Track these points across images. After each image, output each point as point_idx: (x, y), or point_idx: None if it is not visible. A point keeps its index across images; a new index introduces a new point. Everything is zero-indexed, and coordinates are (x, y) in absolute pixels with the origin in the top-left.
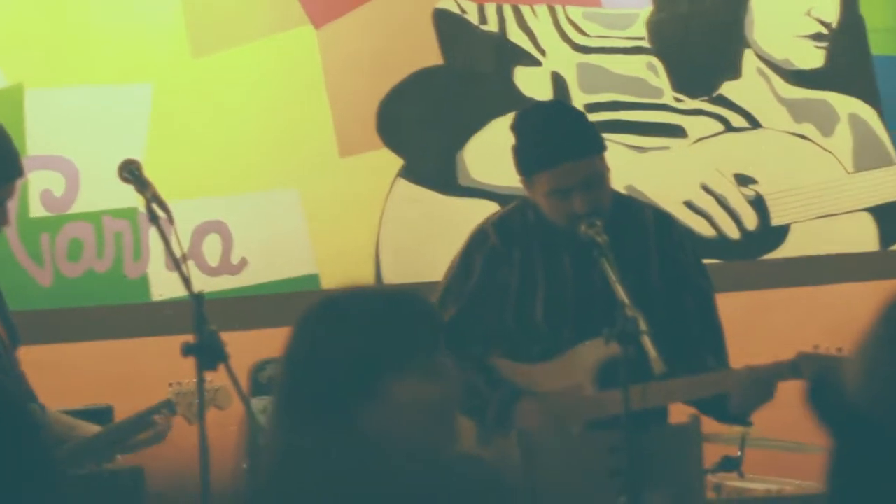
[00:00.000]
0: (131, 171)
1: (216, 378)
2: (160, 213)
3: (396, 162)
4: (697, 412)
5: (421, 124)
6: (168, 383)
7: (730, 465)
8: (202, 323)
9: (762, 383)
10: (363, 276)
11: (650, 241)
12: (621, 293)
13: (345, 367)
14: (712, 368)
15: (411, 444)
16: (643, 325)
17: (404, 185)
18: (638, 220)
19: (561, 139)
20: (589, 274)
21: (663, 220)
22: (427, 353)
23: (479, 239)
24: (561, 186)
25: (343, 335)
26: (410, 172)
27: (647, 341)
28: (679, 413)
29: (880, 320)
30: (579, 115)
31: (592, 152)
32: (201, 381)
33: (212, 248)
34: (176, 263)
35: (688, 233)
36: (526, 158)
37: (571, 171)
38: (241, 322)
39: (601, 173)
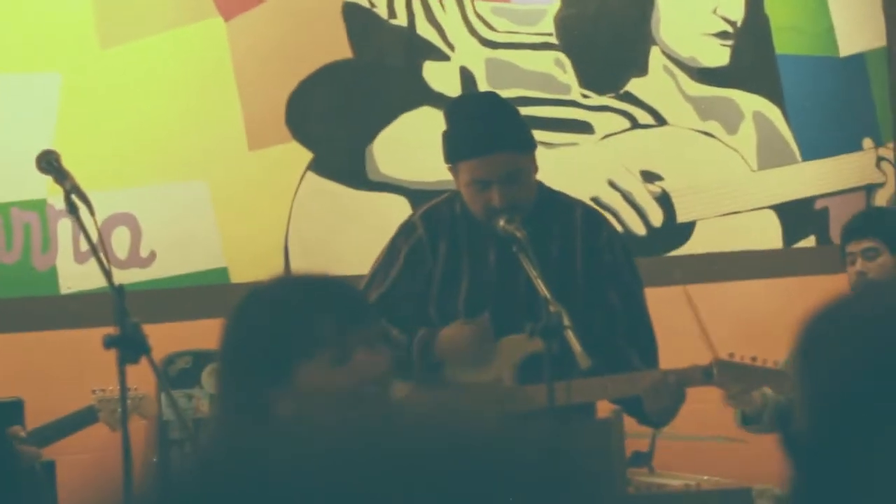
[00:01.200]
0: (49, 162)
1: (140, 386)
2: (80, 204)
3: (306, 155)
4: (621, 408)
5: (330, 118)
6: (91, 389)
7: (639, 460)
8: (124, 315)
9: (673, 387)
10: (272, 269)
11: (576, 238)
12: (542, 288)
13: (260, 352)
14: (636, 368)
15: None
16: (567, 321)
17: (313, 179)
18: (565, 216)
19: (486, 130)
20: (513, 268)
21: (592, 218)
22: (339, 339)
23: (407, 230)
24: (481, 178)
25: (258, 322)
26: (319, 166)
27: (571, 336)
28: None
29: (796, 348)
30: (510, 110)
31: (516, 148)
32: (123, 373)
33: (120, 241)
34: (96, 255)
35: (617, 231)
36: (451, 145)
37: (492, 164)
38: (150, 315)
39: (524, 170)
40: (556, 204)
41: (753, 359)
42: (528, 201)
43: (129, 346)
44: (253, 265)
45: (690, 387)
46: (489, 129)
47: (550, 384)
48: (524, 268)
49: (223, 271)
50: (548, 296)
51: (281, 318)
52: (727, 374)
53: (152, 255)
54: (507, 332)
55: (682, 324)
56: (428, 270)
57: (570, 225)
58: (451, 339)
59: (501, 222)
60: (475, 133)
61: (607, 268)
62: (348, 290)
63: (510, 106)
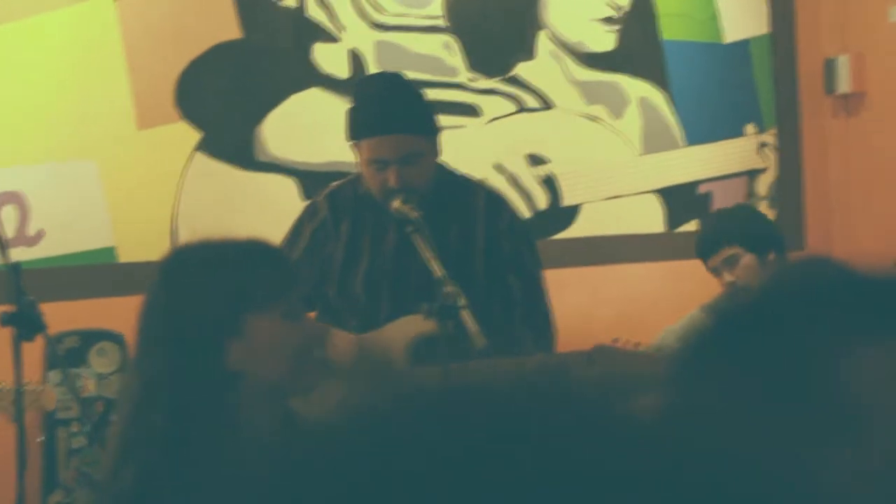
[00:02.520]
0: None
1: (29, 365)
2: None
3: (194, 135)
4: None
5: (219, 98)
6: None
7: None
8: (21, 293)
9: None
10: (160, 248)
11: (478, 222)
12: (437, 269)
13: (211, 307)
14: (530, 353)
15: (267, 379)
16: (462, 301)
17: (202, 159)
18: (467, 199)
19: (387, 110)
20: (411, 250)
21: (494, 201)
22: (288, 296)
23: (311, 210)
24: (379, 157)
25: (205, 278)
26: (208, 146)
27: (466, 317)
28: None
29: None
30: (414, 92)
31: (416, 130)
32: (18, 350)
33: (8, 219)
34: None
35: (520, 216)
36: (354, 123)
37: (391, 144)
38: (38, 294)
39: (423, 153)
40: (459, 187)
41: (637, 344)
42: (426, 184)
43: (25, 324)
44: (141, 244)
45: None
46: (390, 110)
47: (446, 365)
48: (419, 249)
49: (111, 251)
50: (443, 276)
51: (228, 271)
52: (608, 361)
53: (40, 234)
54: (404, 314)
55: (569, 306)
56: (330, 251)
57: (471, 208)
58: (340, 348)
59: (396, 203)
60: (377, 112)
61: (508, 252)
62: (284, 253)
63: (415, 88)
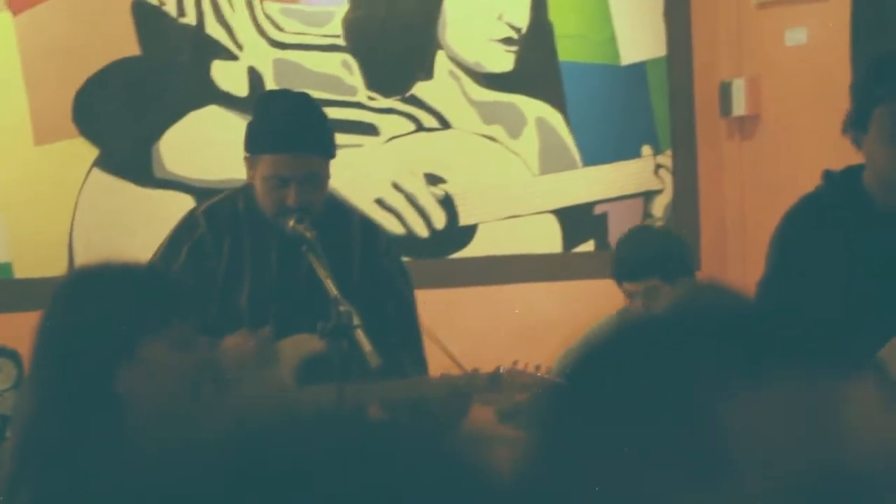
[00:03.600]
0: None
1: None
2: None
3: (92, 151)
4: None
5: (117, 114)
6: None
7: None
8: None
9: (459, 394)
10: (57, 265)
11: (354, 246)
12: (332, 288)
13: (102, 331)
14: (407, 376)
15: (158, 404)
16: (357, 320)
17: (99, 175)
18: (344, 223)
19: (297, 129)
20: (295, 269)
21: (369, 227)
22: (179, 322)
23: (188, 226)
24: (281, 174)
25: (99, 302)
26: (106, 162)
27: (361, 335)
28: None
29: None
30: (322, 115)
31: (321, 153)
32: None
33: None
34: None
35: (393, 241)
36: (257, 136)
37: (296, 163)
38: None
39: (322, 175)
40: (335, 211)
41: (538, 367)
42: (319, 206)
43: None
44: (38, 260)
45: (476, 393)
46: (298, 129)
47: (341, 385)
48: (308, 269)
49: (7, 266)
50: (338, 295)
51: (121, 296)
52: (513, 384)
53: None
54: (289, 333)
55: (465, 326)
56: (210, 268)
57: (348, 233)
58: (233, 348)
59: (291, 222)
60: (283, 129)
61: (383, 277)
62: (178, 280)
63: (322, 111)
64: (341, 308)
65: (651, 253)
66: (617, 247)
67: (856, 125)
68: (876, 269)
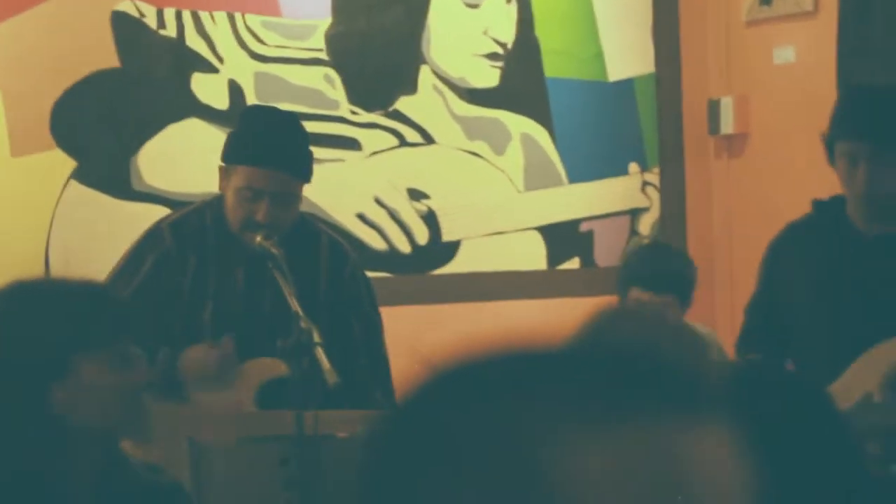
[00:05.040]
0: None
1: None
2: None
3: (69, 163)
4: None
5: (95, 127)
6: None
7: None
8: None
9: None
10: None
11: (321, 266)
12: (295, 305)
13: (35, 347)
14: (379, 402)
15: (95, 424)
16: (317, 337)
17: (76, 188)
18: (313, 244)
19: (278, 145)
20: (261, 286)
21: (338, 249)
22: (117, 340)
23: (154, 237)
24: (255, 186)
25: (33, 317)
26: (83, 175)
27: (320, 353)
28: None
29: None
30: (305, 137)
31: (298, 174)
32: None
33: None
34: None
35: (360, 264)
36: (237, 146)
37: (271, 178)
38: None
39: (295, 196)
40: (304, 230)
41: None
42: (287, 226)
43: None
44: (13, 272)
45: None
46: (280, 146)
47: (299, 407)
48: (274, 286)
49: None
50: (299, 312)
51: (57, 311)
52: None
53: None
54: (253, 351)
55: (448, 343)
56: (175, 283)
57: (315, 253)
58: (194, 360)
59: (258, 238)
60: (267, 143)
61: (350, 299)
62: (119, 297)
63: (307, 134)
64: (302, 325)
65: (677, 269)
66: (638, 252)
67: (829, 158)
68: (856, 295)
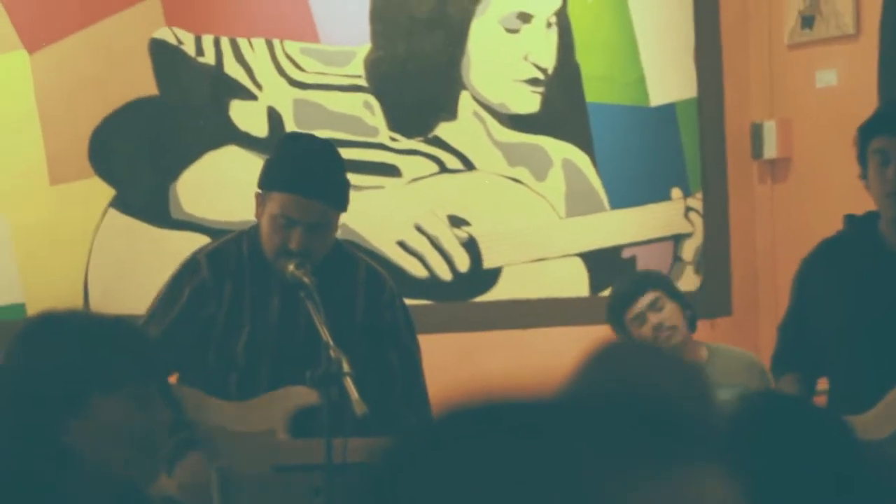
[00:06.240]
0: None
1: None
2: None
3: (108, 191)
4: None
5: (134, 155)
6: None
7: None
8: None
9: None
10: (72, 306)
11: (359, 295)
12: (326, 334)
13: (55, 380)
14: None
15: (112, 465)
16: (346, 367)
17: (115, 216)
18: (350, 272)
19: (316, 173)
20: (295, 314)
21: (376, 277)
22: (140, 381)
23: (191, 268)
24: (290, 215)
25: (57, 350)
26: (122, 203)
27: (349, 383)
28: None
29: None
30: (342, 168)
31: (335, 204)
32: None
33: None
34: None
35: (398, 293)
36: (275, 172)
37: (308, 207)
38: None
39: (330, 226)
40: (342, 258)
41: None
42: (321, 255)
43: None
44: (52, 301)
45: None
46: (318, 174)
47: (329, 435)
48: (307, 314)
49: (20, 307)
50: (329, 342)
51: (82, 347)
52: None
53: None
54: (286, 379)
55: (490, 371)
56: (211, 313)
57: (352, 281)
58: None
59: (291, 267)
60: (303, 171)
61: (387, 327)
62: (144, 333)
63: (343, 162)
64: (332, 354)
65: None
66: (608, 296)
67: (862, 173)
68: (889, 312)
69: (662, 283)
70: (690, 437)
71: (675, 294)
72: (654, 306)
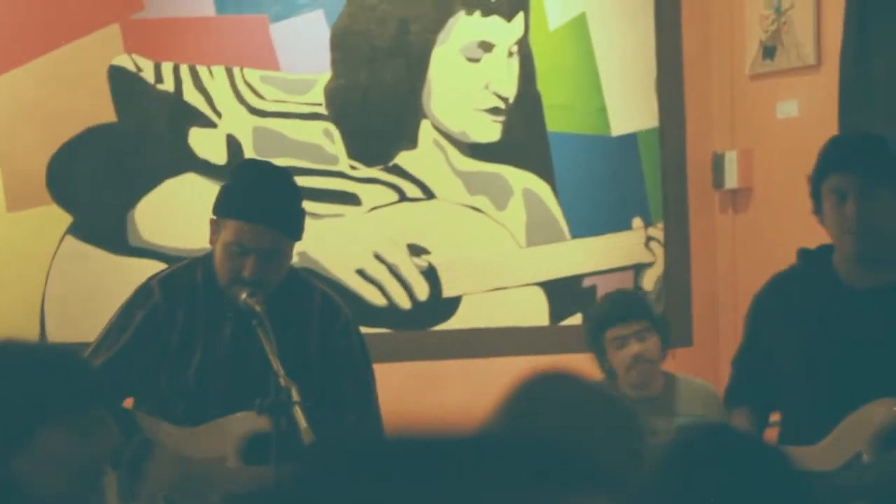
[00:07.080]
0: None
1: None
2: None
3: (66, 218)
4: None
5: (92, 181)
6: None
7: None
8: None
9: None
10: (28, 333)
11: (313, 323)
12: (276, 363)
13: (1, 413)
14: None
15: (57, 494)
16: (296, 396)
17: (73, 243)
18: (305, 299)
19: (267, 200)
20: (247, 342)
21: (331, 305)
22: (81, 409)
23: (143, 294)
24: (243, 242)
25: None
26: (80, 230)
27: (298, 412)
28: None
29: None
30: (298, 196)
31: (288, 233)
32: None
33: None
34: None
35: (353, 321)
36: (229, 199)
37: (260, 235)
38: None
39: (284, 254)
40: (297, 286)
41: None
42: (274, 283)
43: None
44: (8, 327)
45: None
46: (272, 203)
47: (277, 463)
48: (260, 342)
49: None
50: (279, 371)
51: (27, 378)
52: None
53: None
54: (237, 408)
55: (449, 400)
56: (163, 339)
57: (307, 308)
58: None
59: (244, 295)
60: (257, 199)
61: (341, 355)
62: (84, 360)
63: (299, 193)
64: (281, 382)
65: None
66: (598, 303)
67: (816, 208)
68: (840, 348)
69: (652, 314)
70: (587, 470)
71: (660, 327)
72: (639, 335)
